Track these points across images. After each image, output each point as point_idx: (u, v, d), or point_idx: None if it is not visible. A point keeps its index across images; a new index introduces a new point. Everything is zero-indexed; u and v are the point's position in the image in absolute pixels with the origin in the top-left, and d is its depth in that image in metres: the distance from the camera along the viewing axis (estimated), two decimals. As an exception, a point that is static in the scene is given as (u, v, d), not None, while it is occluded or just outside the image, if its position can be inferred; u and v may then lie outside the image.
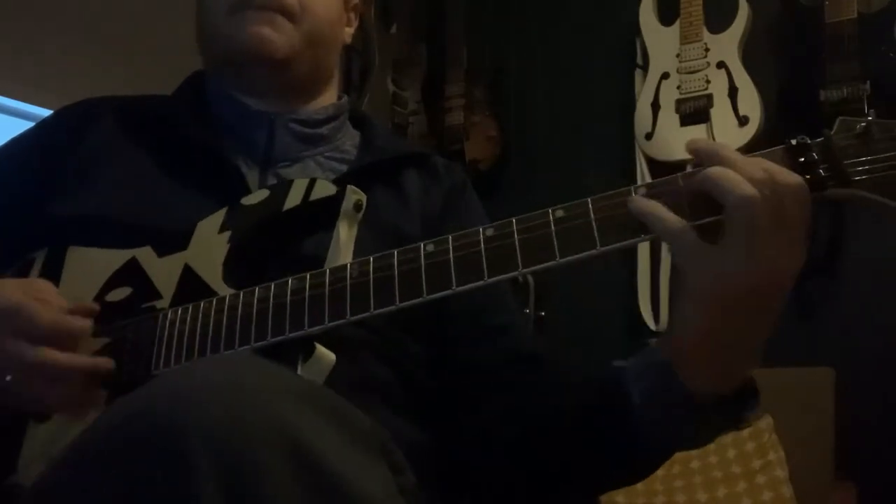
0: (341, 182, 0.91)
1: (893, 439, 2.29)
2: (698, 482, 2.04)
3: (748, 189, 0.69)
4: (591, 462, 0.89)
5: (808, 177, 0.72)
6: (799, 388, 2.14)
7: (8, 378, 0.83)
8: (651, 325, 2.68)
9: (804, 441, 2.06)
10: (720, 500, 2.00)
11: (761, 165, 0.71)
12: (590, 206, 0.76)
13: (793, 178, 0.71)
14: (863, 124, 0.73)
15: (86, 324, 0.87)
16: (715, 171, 0.71)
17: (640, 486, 2.06)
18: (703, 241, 0.72)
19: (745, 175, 0.70)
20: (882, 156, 0.72)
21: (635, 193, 0.75)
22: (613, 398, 0.82)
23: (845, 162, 0.72)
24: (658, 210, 0.73)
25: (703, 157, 0.74)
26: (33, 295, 0.87)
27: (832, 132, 0.74)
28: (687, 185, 0.74)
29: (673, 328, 0.78)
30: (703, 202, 0.72)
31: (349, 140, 1.11)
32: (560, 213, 0.76)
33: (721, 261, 0.71)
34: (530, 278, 2.84)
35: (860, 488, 2.10)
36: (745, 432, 2.06)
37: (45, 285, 0.91)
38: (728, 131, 2.52)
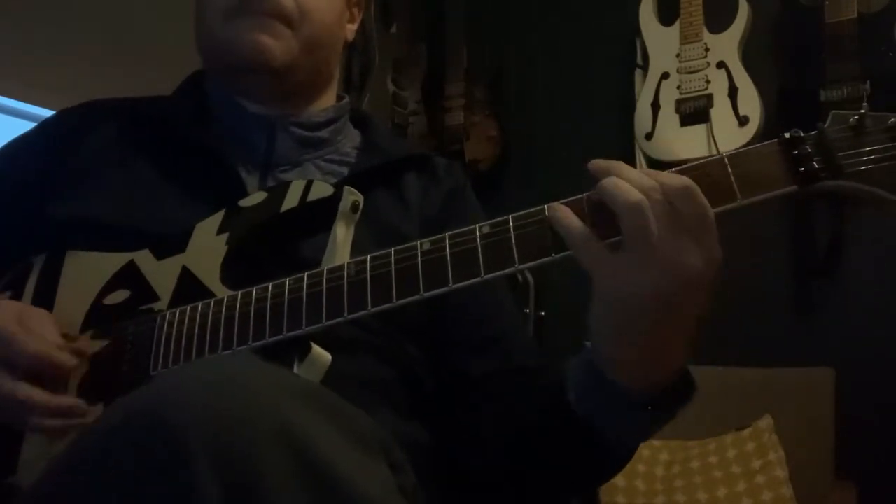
0: (341, 185, 0.91)
1: (893, 439, 2.29)
2: (698, 482, 2.04)
3: (635, 195, 0.71)
4: (551, 466, 0.90)
5: (801, 169, 0.73)
6: (799, 388, 2.14)
7: None
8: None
9: (804, 441, 2.06)
10: (720, 500, 2.00)
11: (652, 174, 0.73)
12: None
13: (678, 179, 0.73)
14: (856, 117, 0.74)
15: (71, 360, 0.87)
16: (607, 181, 0.74)
17: (640, 485, 2.06)
18: (611, 251, 0.74)
19: (634, 184, 0.72)
20: (875, 147, 0.72)
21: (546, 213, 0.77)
22: (557, 401, 0.84)
23: (839, 154, 0.73)
24: (567, 219, 0.75)
25: (599, 173, 0.76)
26: (27, 324, 0.88)
27: (826, 125, 0.75)
28: (591, 200, 0.76)
29: (589, 329, 0.79)
30: (612, 220, 0.73)
31: (350, 142, 1.11)
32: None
33: (621, 266, 0.73)
34: (530, 278, 2.85)
35: (860, 488, 2.10)
36: (745, 432, 2.06)
37: (41, 315, 0.91)
38: (728, 131, 2.52)
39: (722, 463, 2.06)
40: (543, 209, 0.78)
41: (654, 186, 0.72)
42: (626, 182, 0.73)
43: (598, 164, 0.77)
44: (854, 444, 2.14)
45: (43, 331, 0.88)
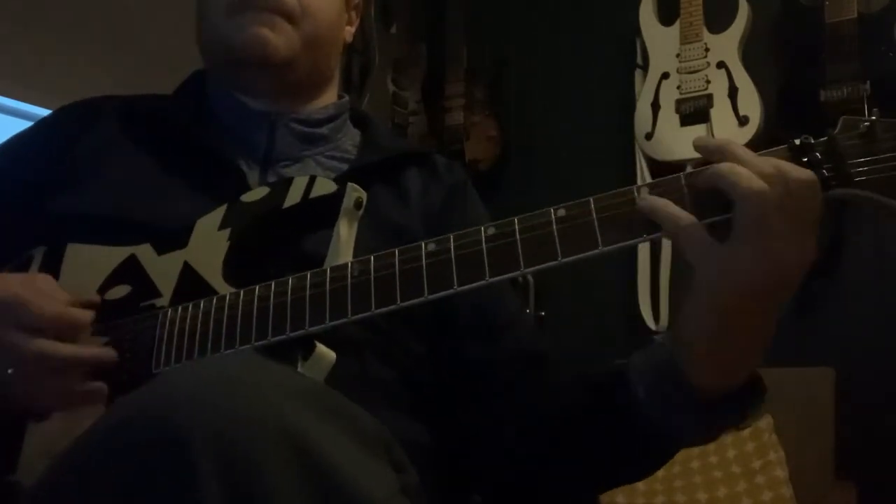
0: (342, 181, 0.91)
1: (893, 439, 2.29)
2: (698, 482, 2.04)
3: (758, 184, 0.69)
4: (594, 459, 0.89)
5: None
6: (799, 388, 2.14)
7: (10, 371, 0.83)
8: (651, 324, 2.68)
9: (804, 441, 2.06)
10: (720, 500, 2.00)
11: (770, 161, 0.71)
12: (592, 205, 0.76)
13: (804, 172, 0.71)
14: (866, 123, 0.72)
15: (88, 315, 0.88)
16: (724, 166, 0.71)
17: (640, 485, 2.06)
18: (713, 236, 0.72)
19: (754, 170, 0.70)
20: (886, 155, 0.71)
21: (638, 193, 0.75)
22: (618, 395, 0.82)
23: (849, 162, 0.72)
24: (669, 207, 0.73)
25: (711, 154, 0.74)
26: (34, 288, 0.88)
27: (835, 132, 0.73)
28: (691, 184, 0.74)
29: (679, 325, 0.77)
30: (708, 200, 0.72)
31: (350, 140, 1.11)
32: (562, 212, 0.76)
33: (732, 257, 0.70)
34: (530, 278, 2.85)
35: (860, 488, 2.10)
36: (746, 432, 2.06)
37: (46, 279, 0.91)
38: (728, 131, 2.52)
39: (722, 463, 2.06)
40: (549, 211, 0.76)
41: (774, 175, 0.69)
42: (745, 168, 0.70)
43: (708, 142, 0.74)
44: (854, 444, 2.14)
45: (53, 292, 0.88)
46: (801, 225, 0.70)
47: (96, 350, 0.86)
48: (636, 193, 0.75)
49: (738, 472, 2.02)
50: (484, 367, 0.97)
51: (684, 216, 0.72)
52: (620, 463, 0.88)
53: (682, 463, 2.07)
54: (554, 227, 0.76)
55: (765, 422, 2.07)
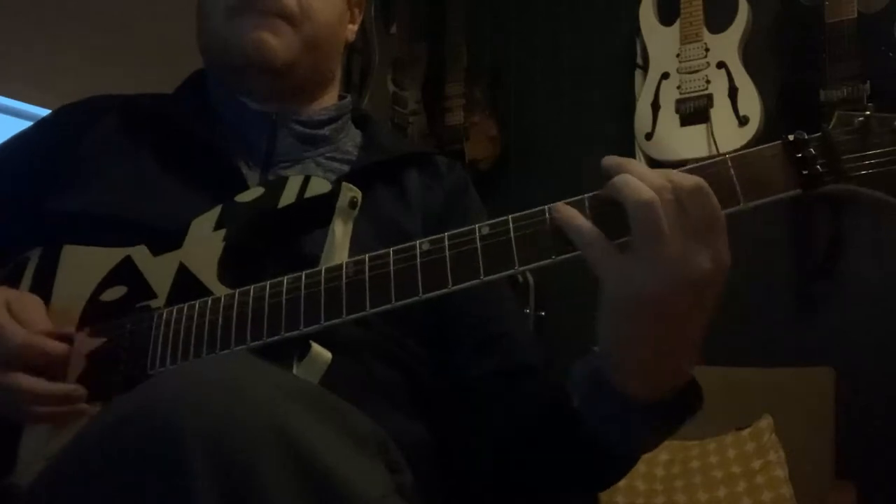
0: (340, 181, 0.91)
1: (893, 439, 2.29)
2: (698, 482, 2.04)
3: (646, 193, 0.71)
4: (553, 470, 0.90)
5: (805, 172, 0.72)
6: (799, 388, 2.14)
7: None
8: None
9: (804, 441, 2.06)
10: (720, 500, 2.00)
11: (663, 173, 0.73)
12: (585, 203, 0.76)
13: (691, 179, 0.72)
14: (861, 119, 0.72)
15: (58, 347, 0.87)
16: (617, 178, 0.73)
17: (640, 485, 2.06)
18: (619, 251, 0.73)
19: (645, 181, 0.71)
20: (881, 150, 0.71)
21: (548, 214, 0.76)
22: (562, 405, 0.83)
23: (843, 157, 0.72)
24: (576, 219, 0.74)
25: (611, 171, 0.75)
26: (15, 312, 0.88)
27: (830, 127, 0.73)
28: (599, 198, 0.75)
29: (597, 334, 0.78)
30: (620, 220, 0.73)
31: (351, 140, 1.11)
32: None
33: (630, 267, 0.72)
34: (530, 278, 2.85)
35: (860, 488, 2.10)
36: (745, 432, 2.06)
37: (32, 302, 0.91)
38: (728, 131, 2.52)
39: (722, 463, 2.06)
40: (544, 210, 0.77)
41: (665, 185, 0.71)
42: (637, 180, 0.72)
43: (611, 160, 0.76)
44: (854, 444, 2.14)
45: (32, 318, 0.88)
46: (699, 232, 0.71)
47: (62, 386, 0.85)
48: (547, 214, 0.76)
49: (738, 472, 2.02)
50: (475, 378, 0.98)
51: (588, 229, 0.74)
52: (575, 473, 0.90)
53: (682, 463, 2.07)
54: (548, 224, 0.76)
55: (765, 422, 2.07)
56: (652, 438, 0.82)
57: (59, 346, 0.87)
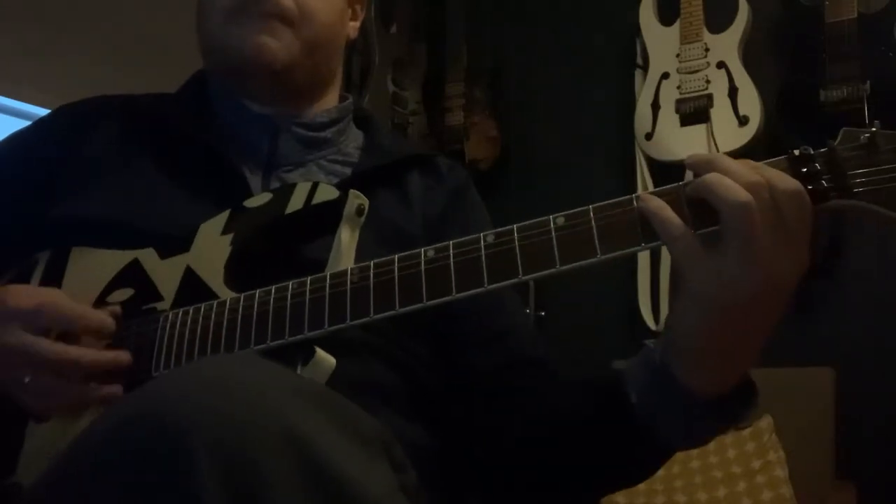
0: (344, 186, 0.91)
1: (893, 439, 2.29)
2: (698, 482, 2.05)
3: (743, 195, 0.69)
4: (594, 464, 0.89)
5: (810, 188, 0.72)
6: (799, 388, 2.15)
7: (27, 380, 0.84)
8: (651, 324, 2.68)
9: (804, 441, 2.07)
10: (720, 500, 2.00)
11: (758, 171, 0.71)
12: (591, 213, 0.76)
13: (790, 182, 0.71)
14: (867, 135, 0.71)
15: (110, 321, 0.88)
16: (711, 177, 0.71)
17: (640, 485, 2.06)
18: (704, 246, 0.72)
19: (740, 181, 0.70)
20: (886, 167, 0.71)
21: (636, 203, 0.75)
22: (612, 399, 0.82)
23: (849, 173, 0.72)
24: (664, 211, 0.73)
25: (699, 168, 0.74)
26: (56, 294, 0.89)
27: (836, 142, 0.73)
28: (688, 194, 0.74)
29: (670, 329, 0.78)
30: (704, 210, 0.72)
31: (352, 142, 1.11)
32: (561, 220, 0.76)
33: (719, 266, 0.71)
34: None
35: (860, 488, 2.10)
36: (746, 432, 2.07)
37: (56, 292, 0.91)
38: (728, 131, 2.52)
39: (722, 463, 2.06)
40: (549, 219, 0.77)
41: (761, 184, 0.70)
42: (731, 179, 0.70)
43: (697, 157, 0.75)
44: (854, 444, 2.15)
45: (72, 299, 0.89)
46: (790, 235, 0.70)
47: (113, 353, 0.87)
48: (635, 203, 0.75)
49: (738, 472, 2.03)
50: (483, 374, 0.97)
51: (677, 224, 0.72)
52: (618, 467, 0.88)
53: (682, 463, 2.07)
54: (553, 234, 0.76)
55: (765, 422, 2.07)
56: (708, 435, 0.81)
57: (110, 320, 0.88)
